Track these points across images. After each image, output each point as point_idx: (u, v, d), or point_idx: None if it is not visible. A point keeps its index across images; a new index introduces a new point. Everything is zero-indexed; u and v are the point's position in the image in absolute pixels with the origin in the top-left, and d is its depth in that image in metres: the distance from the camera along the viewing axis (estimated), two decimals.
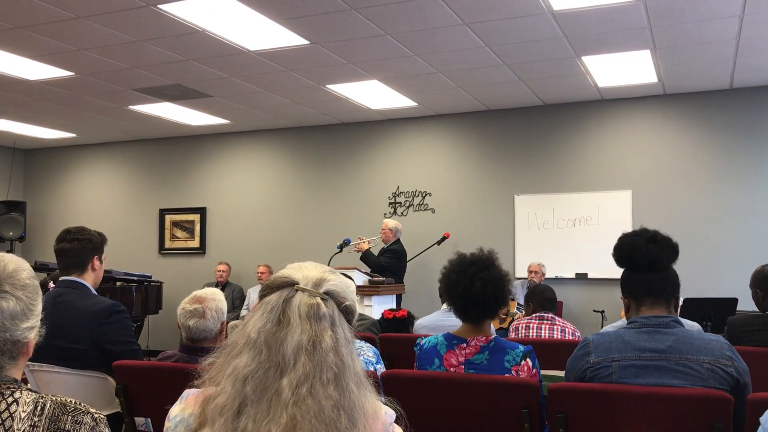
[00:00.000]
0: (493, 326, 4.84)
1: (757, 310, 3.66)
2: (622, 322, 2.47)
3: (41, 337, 1.46)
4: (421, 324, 4.09)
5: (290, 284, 1.26)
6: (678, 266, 2.39)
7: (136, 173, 10.31)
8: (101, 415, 1.39)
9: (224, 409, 1.17)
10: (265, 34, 5.71)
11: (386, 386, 2.54)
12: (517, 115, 8.29)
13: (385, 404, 1.31)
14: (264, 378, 1.17)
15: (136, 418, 2.86)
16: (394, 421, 1.29)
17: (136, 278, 8.42)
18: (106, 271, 7.48)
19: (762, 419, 1.11)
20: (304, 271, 1.29)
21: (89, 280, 3.16)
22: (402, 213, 8.76)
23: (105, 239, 3.27)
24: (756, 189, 7.31)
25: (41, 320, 1.45)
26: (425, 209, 8.68)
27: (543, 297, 4.38)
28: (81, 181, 10.66)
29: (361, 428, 1.18)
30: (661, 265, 2.32)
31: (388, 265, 7.19)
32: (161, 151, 10.15)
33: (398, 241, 7.57)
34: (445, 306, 4.03)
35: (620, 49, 6.11)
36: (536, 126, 8.21)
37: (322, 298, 1.24)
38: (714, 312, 5.21)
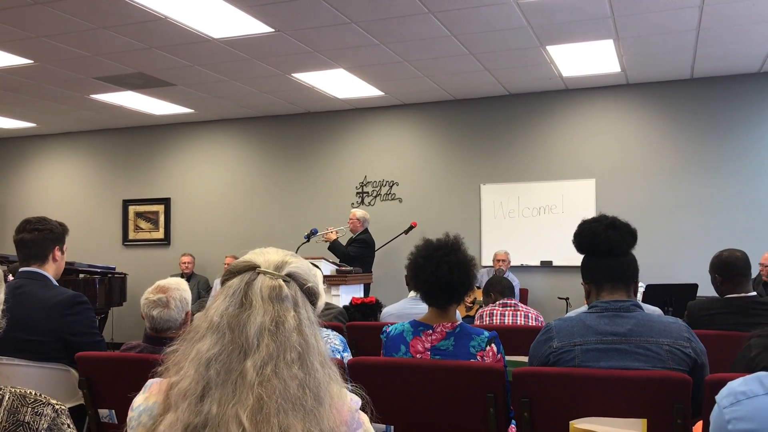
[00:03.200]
0: (460, 314, 4.88)
1: (717, 294, 3.74)
2: (585, 307, 2.51)
3: (1, 330, 1.43)
4: (388, 312, 4.11)
5: (252, 268, 1.27)
6: (640, 253, 2.43)
7: (98, 163, 10.14)
8: (63, 407, 1.36)
9: (187, 393, 1.16)
10: (229, 22, 5.64)
11: (353, 374, 2.55)
12: (483, 105, 8.33)
13: (351, 392, 1.31)
14: (228, 361, 1.17)
15: (100, 410, 2.83)
16: (360, 408, 1.30)
17: (99, 270, 8.30)
18: (68, 263, 7.37)
19: (718, 398, 1.14)
20: (266, 256, 1.30)
21: (50, 271, 3.10)
22: (369, 203, 8.76)
23: (66, 229, 3.22)
24: (716, 177, 7.47)
25: (2, 312, 1.42)
26: (392, 199, 8.70)
27: (502, 285, 4.45)
28: (42, 172, 10.46)
29: (327, 407, 1.19)
30: (620, 250, 2.36)
31: (356, 254, 7.20)
32: (124, 140, 9.99)
33: (366, 230, 7.58)
34: (411, 294, 4.05)
35: (584, 39, 6.18)
36: (502, 116, 8.26)
37: (284, 280, 1.25)
38: (675, 297, 5.32)
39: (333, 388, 1.23)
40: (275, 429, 1.12)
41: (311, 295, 1.29)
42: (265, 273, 1.25)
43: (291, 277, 1.27)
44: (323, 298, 1.38)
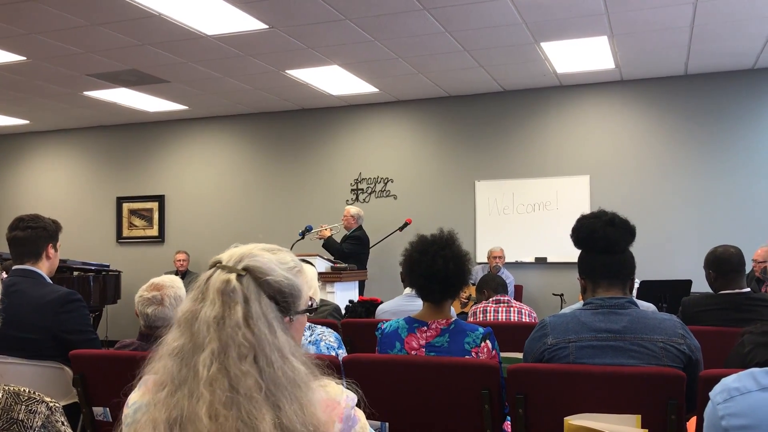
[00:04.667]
0: (455, 310, 4.89)
1: (711, 290, 3.76)
2: (579, 304, 2.51)
3: None
4: (383, 309, 4.11)
5: (216, 262, 1.27)
6: (635, 249, 2.43)
7: (92, 161, 10.11)
8: (57, 404, 1.36)
9: (160, 387, 1.17)
10: (222, 18, 5.63)
11: (348, 371, 2.55)
12: (478, 102, 8.33)
13: (347, 388, 1.31)
14: (187, 357, 1.17)
15: (94, 408, 2.82)
16: (356, 405, 1.30)
17: (93, 268, 8.28)
18: (62, 261, 7.35)
19: (711, 394, 1.15)
20: (234, 249, 1.29)
21: (44, 268, 3.09)
22: (364, 199, 8.75)
23: (59, 227, 3.20)
24: (711, 173, 7.49)
25: None
26: (387, 195, 8.69)
27: (495, 282, 4.47)
28: (35, 169, 10.41)
29: (292, 400, 1.16)
30: (618, 248, 2.36)
31: (350, 251, 7.20)
32: (118, 138, 9.96)
33: (360, 227, 7.58)
34: (406, 291, 4.05)
35: (578, 35, 6.18)
36: (496, 112, 8.27)
37: (238, 274, 1.23)
38: (669, 293, 5.33)
39: (301, 377, 1.20)
40: (232, 423, 1.11)
41: (269, 288, 1.25)
42: (221, 267, 1.25)
43: (247, 270, 1.24)
44: (308, 292, 1.35)
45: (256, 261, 1.26)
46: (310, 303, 1.38)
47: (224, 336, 1.17)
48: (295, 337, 1.30)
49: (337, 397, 1.25)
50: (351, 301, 4.66)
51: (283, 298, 1.27)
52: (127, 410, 1.29)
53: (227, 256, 1.27)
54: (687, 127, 7.59)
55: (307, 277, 1.39)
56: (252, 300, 1.21)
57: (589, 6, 5.46)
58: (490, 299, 4.36)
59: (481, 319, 4.25)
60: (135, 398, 1.29)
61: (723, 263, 3.63)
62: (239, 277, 1.23)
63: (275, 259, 1.30)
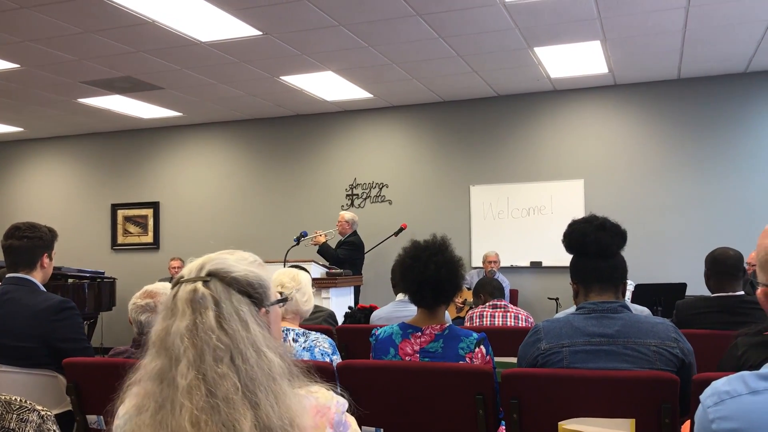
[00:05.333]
0: (450, 315, 4.89)
1: (708, 290, 3.78)
2: (573, 308, 2.51)
3: None
4: (377, 316, 4.11)
5: (178, 279, 1.27)
6: (629, 253, 2.44)
7: (86, 168, 10.09)
8: (49, 413, 1.36)
9: (143, 409, 1.17)
10: (216, 25, 5.63)
11: (342, 377, 2.55)
12: (472, 107, 8.35)
13: (340, 394, 1.31)
14: (166, 375, 1.17)
15: (88, 416, 2.81)
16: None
17: (88, 275, 8.26)
18: (57, 268, 7.33)
19: (702, 397, 1.15)
20: (192, 263, 1.29)
21: (38, 277, 3.08)
22: (359, 205, 8.75)
23: (56, 235, 3.20)
24: (704, 177, 7.51)
25: None
26: (382, 201, 8.70)
27: (492, 286, 4.47)
28: (30, 176, 10.39)
29: (268, 392, 1.16)
30: (609, 252, 2.36)
31: (345, 257, 7.19)
32: (112, 145, 9.95)
33: (355, 232, 7.57)
34: (399, 296, 4.05)
35: (571, 40, 6.20)
36: (490, 117, 8.28)
37: (203, 281, 1.23)
38: (664, 297, 5.35)
39: (275, 369, 1.20)
40: (213, 427, 1.11)
41: (238, 283, 1.25)
42: (186, 281, 1.24)
43: (211, 275, 1.24)
44: (256, 280, 1.34)
45: (217, 263, 1.27)
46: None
47: (199, 342, 1.16)
48: (272, 328, 1.31)
49: (327, 403, 1.26)
50: (350, 308, 4.67)
51: (254, 291, 1.27)
52: (118, 421, 1.28)
53: (187, 270, 1.27)
54: (680, 131, 7.62)
55: (268, 270, 1.39)
56: (223, 300, 1.21)
57: (581, 11, 5.48)
58: (487, 304, 4.36)
59: (477, 323, 4.25)
60: (124, 410, 1.29)
61: (717, 263, 3.66)
62: (205, 283, 1.23)
63: (234, 258, 1.31)
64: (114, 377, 2.78)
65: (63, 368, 2.82)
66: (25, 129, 9.64)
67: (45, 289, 3.09)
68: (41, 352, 2.89)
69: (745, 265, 3.78)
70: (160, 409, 1.15)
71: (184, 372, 1.15)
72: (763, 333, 2.24)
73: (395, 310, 3.90)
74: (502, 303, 4.32)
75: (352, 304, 6.52)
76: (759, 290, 1.21)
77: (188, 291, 1.22)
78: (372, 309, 4.47)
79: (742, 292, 3.64)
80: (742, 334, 2.34)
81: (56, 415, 1.38)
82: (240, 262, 1.29)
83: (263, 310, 1.28)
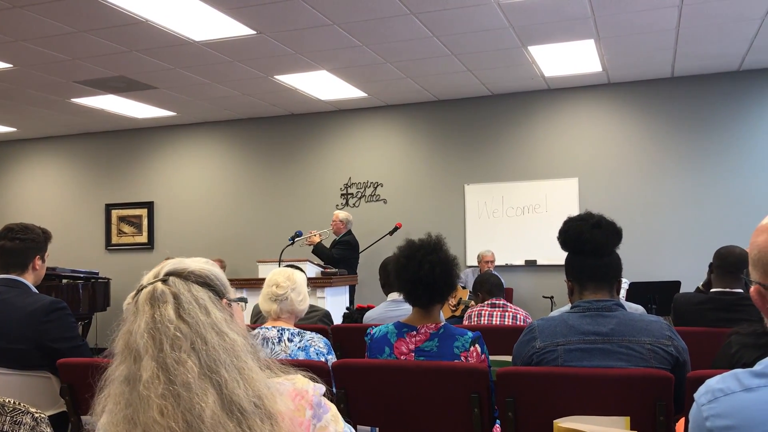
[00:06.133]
0: (444, 315, 4.89)
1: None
2: (568, 306, 2.52)
3: None
4: (369, 316, 4.10)
5: (138, 288, 1.29)
6: (623, 251, 2.44)
7: (80, 168, 10.06)
8: (42, 415, 1.35)
9: (115, 410, 1.18)
10: (210, 24, 5.62)
11: (337, 376, 2.55)
12: (466, 106, 8.36)
13: (326, 396, 1.33)
14: (132, 376, 1.18)
15: (83, 417, 2.81)
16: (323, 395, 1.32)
17: (82, 275, 8.24)
18: (51, 269, 7.31)
19: (696, 395, 1.15)
20: (149, 272, 1.31)
21: (29, 278, 3.06)
22: (354, 204, 8.75)
23: (50, 236, 3.17)
24: (698, 175, 7.53)
25: None
26: (377, 200, 8.70)
27: (491, 284, 4.45)
28: (23, 176, 10.36)
29: (231, 368, 1.18)
30: (605, 250, 2.36)
31: (340, 256, 7.19)
32: (106, 144, 9.92)
33: (350, 232, 7.57)
34: (393, 295, 4.04)
35: (565, 39, 6.21)
36: (484, 116, 8.29)
37: (162, 281, 1.25)
38: (658, 295, 5.36)
39: (243, 348, 1.22)
40: (177, 413, 1.12)
41: (198, 277, 1.28)
42: (146, 285, 1.26)
43: (169, 274, 1.27)
44: (213, 275, 1.35)
45: (174, 264, 1.30)
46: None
47: (157, 335, 1.18)
48: (235, 318, 1.33)
49: (305, 387, 1.29)
50: (348, 308, 4.68)
51: (212, 282, 1.30)
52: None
53: (146, 279, 1.30)
54: (674, 129, 7.63)
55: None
56: (182, 292, 1.24)
57: (575, 9, 5.49)
58: (486, 303, 4.35)
59: (475, 322, 4.25)
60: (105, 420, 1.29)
61: (719, 258, 3.68)
62: (164, 282, 1.25)
63: (190, 260, 1.34)
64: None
65: (57, 369, 2.81)
66: (19, 129, 9.61)
67: (37, 291, 3.08)
68: (34, 353, 2.88)
69: None
70: (128, 406, 1.16)
71: (146, 366, 1.16)
72: (756, 332, 2.24)
73: (388, 309, 3.89)
74: (501, 302, 4.31)
75: (348, 304, 6.53)
76: (752, 288, 1.21)
77: (148, 292, 1.24)
78: (370, 309, 4.48)
79: (741, 291, 3.65)
80: (735, 332, 2.35)
81: (50, 417, 1.37)
82: (196, 261, 1.33)
83: (224, 300, 1.31)
